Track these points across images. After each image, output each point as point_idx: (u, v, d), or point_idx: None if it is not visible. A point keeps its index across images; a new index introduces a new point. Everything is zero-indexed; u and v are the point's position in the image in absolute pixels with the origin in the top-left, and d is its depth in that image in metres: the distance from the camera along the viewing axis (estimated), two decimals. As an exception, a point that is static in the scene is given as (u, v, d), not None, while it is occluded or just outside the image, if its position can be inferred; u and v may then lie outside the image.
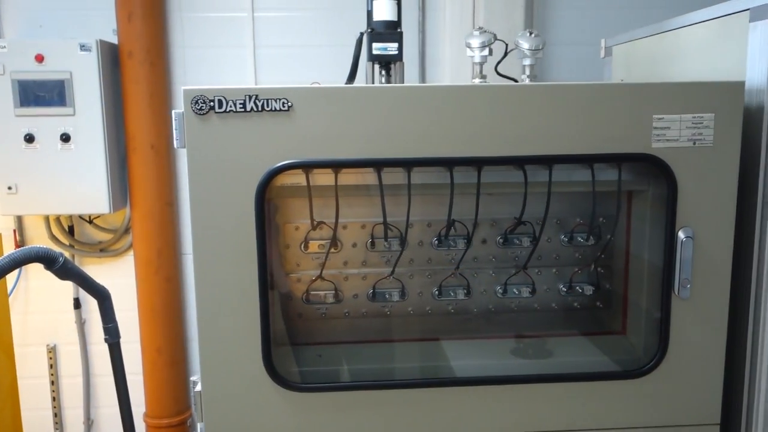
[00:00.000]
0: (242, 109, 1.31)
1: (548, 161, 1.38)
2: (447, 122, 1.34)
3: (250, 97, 1.31)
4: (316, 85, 1.38)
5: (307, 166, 1.35)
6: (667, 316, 1.40)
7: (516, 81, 1.87)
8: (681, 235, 1.37)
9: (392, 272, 1.51)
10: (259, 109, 1.31)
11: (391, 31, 1.99)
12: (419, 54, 2.67)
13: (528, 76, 1.87)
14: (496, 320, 1.61)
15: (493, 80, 1.97)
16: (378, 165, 1.37)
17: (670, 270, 1.38)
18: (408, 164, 1.37)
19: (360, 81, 2.11)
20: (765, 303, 1.40)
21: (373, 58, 2.00)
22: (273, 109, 1.32)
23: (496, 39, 1.90)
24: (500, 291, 1.57)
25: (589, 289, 1.58)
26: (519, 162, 1.37)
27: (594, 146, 1.36)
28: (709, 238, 1.38)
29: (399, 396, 1.41)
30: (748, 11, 1.39)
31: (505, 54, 2.06)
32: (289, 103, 1.31)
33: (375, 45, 1.98)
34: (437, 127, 1.34)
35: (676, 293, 1.39)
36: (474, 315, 1.61)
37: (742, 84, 1.35)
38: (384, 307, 1.60)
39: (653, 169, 1.37)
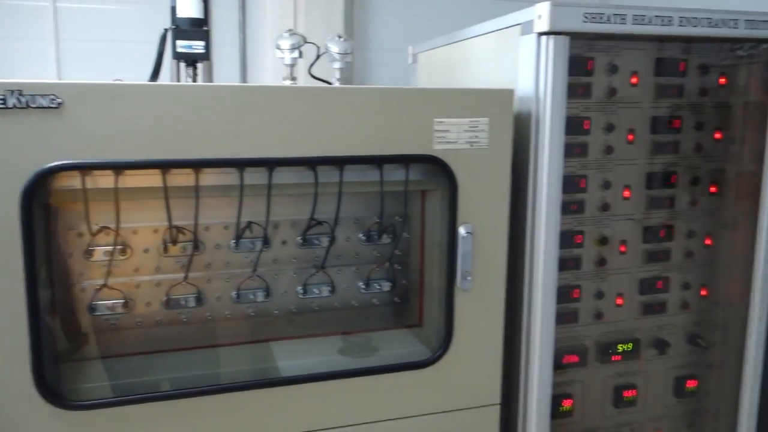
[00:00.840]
0: (2, 106, 1.20)
1: (338, 162, 1.41)
2: (235, 123, 1.32)
3: (12, 92, 1.20)
4: (118, 82, 1.31)
5: (78, 168, 1.27)
6: (451, 307, 1.49)
7: (330, 84, 1.90)
8: (462, 231, 1.47)
9: (185, 278, 1.47)
10: (24, 105, 1.21)
11: (196, 28, 1.94)
12: (240, 55, 2.63)
13: (338, 80, 1.91)
14: (298, 321, 1.63)
15: (310, 83, 2.00)
16: (157, 167, 1.31)
17: (453, 264, 1.48)
18: (191, 166, 1.33)
19: (166, 79, 2.03)
20: (537, 292, 1.54)
21: (177, 56, 1.94)
22: (40, 105, 1.22)
23: (306, 41, 1.92)
24: (301, 291, 1.59)
25: (386, 286, 1.64)
26: (309, 163, 1.39)
27: (383, 148, 1.42)
28: (487, 233, 1.49)
29: (186, 405, 1.37)
30: (519, 26, 1.52)
31: (317, 57, 2.09)
32: (59, 100, 1.22)
33: (179, 42, 1.92)
34: (225, 127, 1.31)
35: (459, 286, 1.48)
36: (275, 317, 1.61)
37: (511, 92, 1.47)
38: (180, 314, 1.55)
39: (437, 170, 1.46)
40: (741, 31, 1.55)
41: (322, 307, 1.65)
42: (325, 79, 2.00)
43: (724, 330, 1.81)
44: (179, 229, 1.41)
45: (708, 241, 1.78)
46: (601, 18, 1.44)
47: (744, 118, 1.71)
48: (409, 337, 1.68)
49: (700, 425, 1.87)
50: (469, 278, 1.48)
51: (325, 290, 1.60)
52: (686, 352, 1.82)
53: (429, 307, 1.66)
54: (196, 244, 1.45)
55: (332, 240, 1.51)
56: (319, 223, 1.51)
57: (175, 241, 1.41)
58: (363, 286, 1.64)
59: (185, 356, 1.53)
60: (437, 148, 1.43)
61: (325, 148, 1.38)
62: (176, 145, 1.29)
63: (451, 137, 1.43)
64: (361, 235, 1.63)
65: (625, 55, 1.60)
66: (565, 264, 1.65)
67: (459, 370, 1.53)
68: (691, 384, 1.83)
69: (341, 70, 1.87)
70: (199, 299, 1.53)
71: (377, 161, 1.43)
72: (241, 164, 1.34)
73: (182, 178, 1.37)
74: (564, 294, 1.66)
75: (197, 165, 1.33)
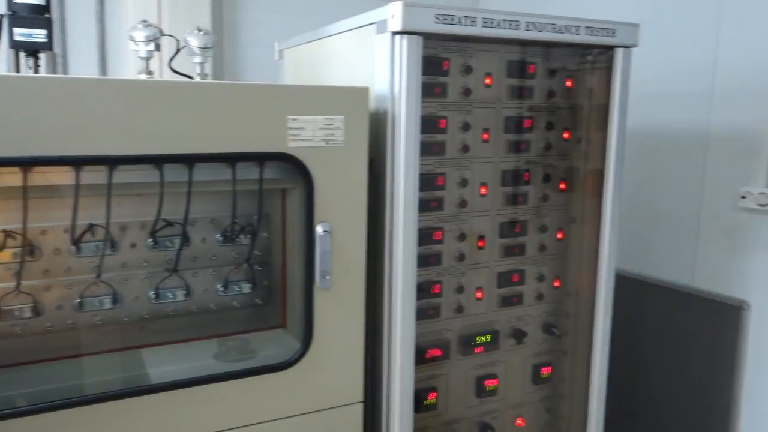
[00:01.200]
0: None
1: (185, 160, 1.35)
2: (70, 117, 1.22)
3: None
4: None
5: None
6: (310, 307, 1.47)
7: (191, 78, 1.82)
8: (319, 229, 1.45)
9: (18, 286, 1.34)
10: None
11: (36, 15, 1.80)
12: (99, 48, 2.47)
13: (199, 75, 1.83)
14: (152, 328, 1.54)
15: (174, 78, 1.91)
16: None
17: (311, 263, 1.46)
18: (19, 164, 1.22)
19: (3, 70, 1.87)
20: (397, 289, 1.55)
21: (15, 45, 1.78)
22: None
23: (162, 34, 1.83)
24: (153, 296, 1.51)
25: (246, 287, 1.59)
26: (152, 161, 1.32)
27: (236, 145, 1.37)
28: (345, 232, 1.49)
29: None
30: (375, 25, 1.53)
31: (177, 51, 2.00)
32: None
33: (17, 30, 1.76)
34: (58, 122, 1.21)
35: (318, 285, 1.47)
36: (126, 324, 1.52)
37: (366, 90, 1.48)
38: (15, 326, 1.42)
39: (293, 168, 1.43)
40: (582, 37, 1.65)
41: (179, 311, 1.57)
42: (187, 74, 1.92)
43: (575, 318, 1.92)
44: (8, 234, 1.29)
45: (559, 235, 1.88)
46: (452, 20, 1.48)
47: (589, 119, 1.82)
48: (289, 338, 1.64)
49: (557, 409, 1.98)
50: (327, 277, 1.47)
51: (180, 294, 1.53)
52: (542, 341, 1.92)
53: (292, 307, 1.63)
54: (30, 249, 1.33)
55: (183, 242, 1.44)
56: (169, 224, 1.44)
57: (2, 247, 1.29)
58: (221, 289, 1.58)
59: (29, 370, 1.40)
60: (292, 146, 1.40)
61: (173, 145, 1.32)
62: (2, 141, 1.17)
63: (305, 135, 1.41)
64: (218, 236, 1.57)
65: (479, 56, 1.66)
66: (426, 260, 1.68)
67: (321, 370, 1.51)
68: (546, 371, 1.93)
69: (202, 65, 1.80)
70: (36, 309, 1.41)
71: (228, 159, 1.38)
72: (74, 162, 1.25)
73: (11, 177, 1.25)
74: (426, 289, 1.69)
75: (26, 163, 1.22)
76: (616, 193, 1.78)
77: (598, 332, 1.85)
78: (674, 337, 2.29)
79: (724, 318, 2.13)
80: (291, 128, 1.40)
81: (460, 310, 1.76)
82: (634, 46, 1.72)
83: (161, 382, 1.37)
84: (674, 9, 2.22)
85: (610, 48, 1.72)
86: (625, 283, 2.43)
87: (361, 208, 1.50)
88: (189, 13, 2.47)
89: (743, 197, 2.03)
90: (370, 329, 1.62)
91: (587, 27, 1.64)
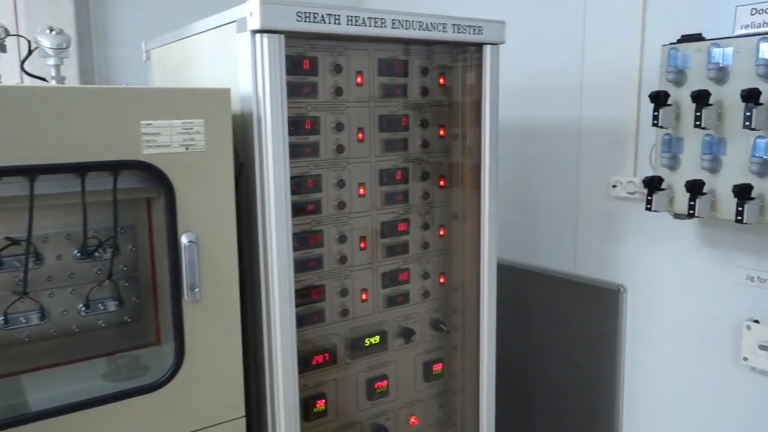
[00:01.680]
0: None
1: (24, 172, 1.23)
2: None
3: None
4: None
5: None
6: (180, 323, 1.39)
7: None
8: (184, 239, 1.38)
9: None
10: None
11: None
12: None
13: (55, 78, 1.70)
14: (2, 356, 1.41)
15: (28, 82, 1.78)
16: None
17: (177, 275, 1.38)
18: None
19: None
20: (275, 296, 1.50)
21: None
22: None
23: (9, 34, 1.69)
24: (1, 322, 1.38)
25: (112, 305, 1.49)
26: (-14, 174, 1.20)
27: (87, 154, 1.28)
28: (213, 241, 1.42)
29: None
30: (235, 23, 1.47)
31: (30, 52, 1.86)
32: None
33: None
34: None
35: (186, 298, 1.39)
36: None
37: (227, 91, 1.41)
38: None
39: (150, 176, 1.35)
40: (450, 35, 1.66)
41: (35, 337, 1.44)
42: (43, 77, 1.78)
43: (463, 313, 1.94)
44: None
45: (442, 232, 1.90)
46: (314, 17, 1.44)
47: (464, 116, 1.84)
48: (164, 356, 1.54)
49: (450, 404, 1.99)
50: (197, 290, 1.39)
51: (34, 317, 1.40)
52: (431, 338, 1.92)
53: (165, 323, 1.54)
54: None
55: (28, 260, 1.32)
56: (15, 242, 1.31)
57: None
58: (83, 309, 1.47)
59: None
60: (147, 153, 1.32)
61: (13, 156, 1.20)
62: None
63: (162, 140, 1.33)
64: (76, 252, 1.46)
65: (349, 55, 1.63)
66: (306, 264, 1.64)
67: (196, 387, 1.43)
68: (437, 367, 1.93)
69: (57, 67, 1.67)
70: None
71: (75, 170, 1.28)
72: None
73: None
74: (307, 295, 1.65)
75: None
76: (492, 186, 1.81)
77: (484, 325, 1.88)
78: (561, 324, 2.37)
79: (604, 302, 2.23)
80: (145, 134, 1.31)
81: (345, 313, 1.74)
82: (501, 42, 1.75)
83: (11, 417, 1.25)
84: (546, 8, 2.29)
85: (479, 45, 1.74)
86: (513, 274, 2.50)
87: (229, 215, 1.44)
88: (48, 11, 2.30)
89: (614, 186, 2.13)
90: (250, 340, 1.56)
91: (454, 24, 1.66)
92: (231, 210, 1.44)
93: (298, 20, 1.42)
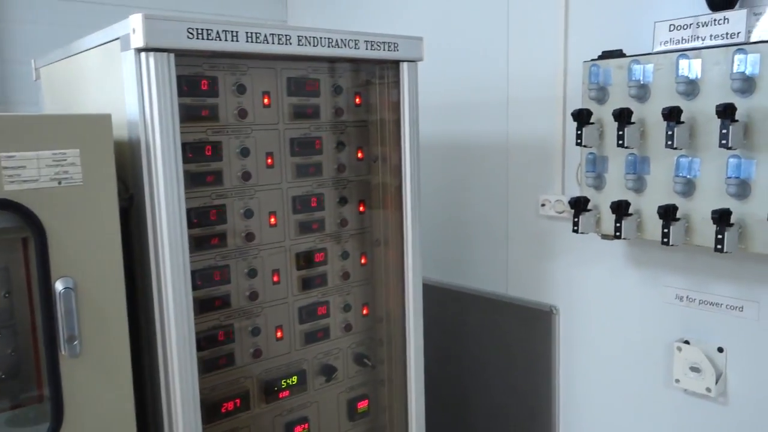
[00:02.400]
0: None
1: None
2: None
3: None
4: None
5: None
6: (57, 378, 1.22)
7: None
8: (58, 286, 1.21)
9: None
10: None
11: None
12: None
13: None
14: None
15: None
16: None
17: (52, 327, 1.21)
18: None
19: None
20: (171, 342, 1.34)
21: None
22: None
23: None
24: None
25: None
26: None
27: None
28: (95, 285, 1.26)
29: None
30: (119, 40, 1.32)
31: None
32: None
33: None
34: None
35: (63, 352, 1.22)
36: None
37: (108, 117, 1.26)
38: None
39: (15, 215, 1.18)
40: (363, 52, 1.55)
41: None
42: None
43: (388, 345, 1.83)
44: None
45: (364, 260, 1.78)
46: (208, 34, 1.31)
47: (382, 136, 1.73)
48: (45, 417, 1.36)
49: (379, 442, 1.87)
50: (75, 342, 1.22)
51: None
52: (355, 374, 1.80)
53: (46, 379, 1.36)
54: None
55: None
56: None
57: None
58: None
59: None
60: (10, 189, 1.15)
61: None
62: None
63: (28, 174, 1.17)
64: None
65: (253, 74, 1.50)
66: (210, 304, 1.50)
67: (78, 451, 1.26)
68: (362, 404, 1.81)
69: None
70: None
71: None
72: None
73: None
74: (211, 338, 1.50)
75: None
76: (415, 208, 1.71)
77: (411, 355, 1.77)
78: (495, 346, 2.29)
79: (537, 323, 2.16)
80: (6, 168, 1.14)
81: (258, 354, 1.59)
82: (419, 59, 1.66)
83: None
84: (471, 24, 2.22)
85: (396, 62, 1.64)
86: (446, 296, 2.41)
87: (114, 255, 1.28)
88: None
89: (543, 205, 2.07)
90: (148, 394, 1.40)
91: (367, 41, 1.55)
92: (116, 250, 1.28)
93: (189, 37, 1.28)
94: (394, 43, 1.60)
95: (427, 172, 2.36)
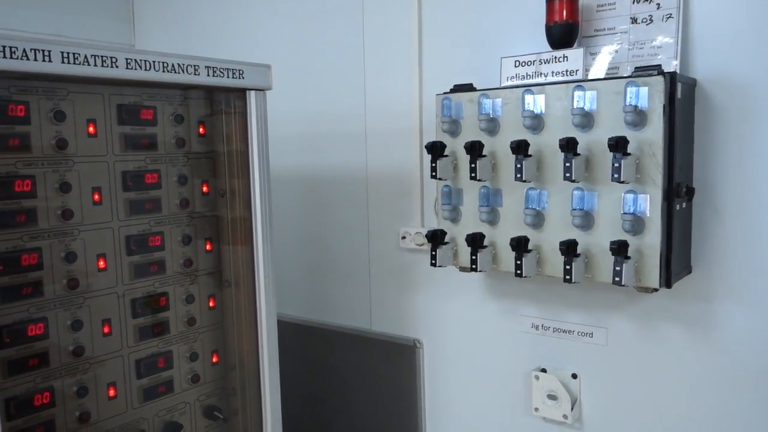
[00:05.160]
0: None
1: None
2: None
3: None
4: None
5: None
6: None
7: None
8: None
9: None
10: None
11: None
12: None
13: None
14: None
15: None
16: None
17: None
18: None
19: None
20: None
21: None
22: None
23: None
24: None
25: None
26: None
27: None
28: None
29: None
30: None
31: None
32: None
33: None
34: None
35: None
36: None
37: None
38: None
39: None
40: (204, 79, 1.43)
41: None
42: None
43: (242, 393, 1.68)
44: None
45: (212, 303, 1.63)
46: (12, 52, 1.13)
47: (230, 168, 1.62)
48: None
49: (234, 502, 1.71)
50: None
51: None
52: (205, 429, 1.63)
53: None
54: None
55: None
56: None
57: None
58: None
59: None
60: None
61: None
62: None
63: None
64: None
65: (75, 99, 1.33)
66: (23, 364, 1.28)
67: None
68: (214, 463, 1.65)
69: None
70: None
71: None
72: None
73: None
74: (25, 403, 1.29)
75: None
76: (266, 243, 1.59)
77: (266, 406, 1.63)
78: (361, 383, 2.21)
79: (401, 358, 2.11)
80: None
81: (86, 417, 1.39)
82: (268, 88, 1.56)
83: None
84: (327, 54, 2.17)
85: (242, 90, 1.54)
86: (309, 334, 2.30)
87: None
88: None
89: (403, 237, 2.04)
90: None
91: (208, 67, 1.43)
92: None
93: (-12, 56, 1.10)
94: (240, 71, 1.49)
95: (285, 205, 2.27)
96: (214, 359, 1.64)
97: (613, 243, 1.41)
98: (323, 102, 2.18)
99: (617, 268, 1.40)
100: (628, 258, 1.41)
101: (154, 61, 1.34)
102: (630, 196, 1.42)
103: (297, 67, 2.21)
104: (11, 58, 1.13)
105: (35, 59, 1.16)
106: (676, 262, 1.45)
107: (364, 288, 2.18)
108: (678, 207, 1.45)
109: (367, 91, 2.07)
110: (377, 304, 2.17)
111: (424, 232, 1.95)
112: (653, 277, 1.42)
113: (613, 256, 1.41)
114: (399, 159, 2.02)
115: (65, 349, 1.35)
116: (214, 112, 1.60)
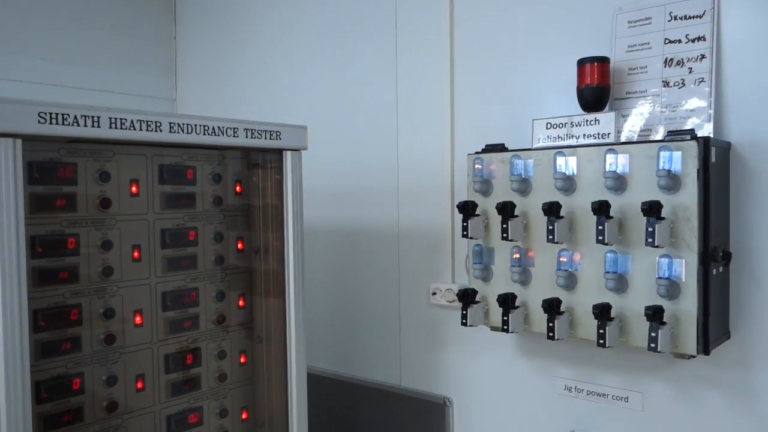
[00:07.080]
0: None
1: None
2: None
3: None
4: None
5: None
6: None
7: None
8: None
9: None
10: None
11: None
12: None
13: None
14: None
15: None
16: None
17: None
18: None
19: None
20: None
21: None
22: None
23: None
24: None
25: None
26: None
27: None
28: None
29: None
30: (-41, 122, 1.17)
31: None
32: None
33: None
34: None
35: None
36: None
37: (-65, 209, 1.10)
38: None
39: None
40: (243, 140, 1.48)
41: None
42: None
43: (271, 451, 1.67)
44: None
45: (243, 359, 1.65)
46: (65, 119, 1.19)
47: (265, 225, 1.65)
48: None
49: None
50: None
51: None
52: (231, 487, 1.62)
53: None
54: None
55: None
56: None
57: None
58: None
59: None
60: None
61: None
62: None
63: None
64: None
65: (120, 161, 1.39)
66: (59, 419, 1.30)
67: None
68: None
69: None
70: None
71: None
72: None
73: None
74: (59, 458, 1.30)
75: None
76: (299, 296, 1.60)
77: (294, 464, 1.62)
78: (389, 442, 2.18)
79: (431, 416, 2.08)
80: None
81: (116, 473, 1.40)
82: (303, 148, 1.61)
83: None
84: (362, 112, 2.22)
85: (279, 151, 1.58)
86: (338, 388, 2.29)
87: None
88: None
89: (434, 293, 2.03)
90: None
91: (247, 129, 1.49)
92: (-66, 364, 1.09)
93: (41, 122, 1.16)
94: (277, 132, 1.54)
95: (317, 258, 2.29)
96: (244, 416, 1.64)
97: (648, 308, 1.38)
98: (357, 157, 2.23)
99: (653, 334, 1.37)
100: (664, 323, 1.39)
101: (195, 125, 1.39)
102: (665, 261, 1.41)
103: (332, 124, 2.26)
104: (63, 124, 1.19)
105: (85, 125, 1.22)
106: (713, 328, 1.41)
107: (394, 343, 2.17)
108: (715, 271, 1.42)
109: (400, 147, 2.11)
110: (407, 360, 2.15)
111: (455, 288, 1.94)
112: (690, 344, 1.39)
113: (648, 322, 1.39)
114: (431, 215, 2.04)
115: (99, 406, 1.37)
116: (251, 171, 1.64)
